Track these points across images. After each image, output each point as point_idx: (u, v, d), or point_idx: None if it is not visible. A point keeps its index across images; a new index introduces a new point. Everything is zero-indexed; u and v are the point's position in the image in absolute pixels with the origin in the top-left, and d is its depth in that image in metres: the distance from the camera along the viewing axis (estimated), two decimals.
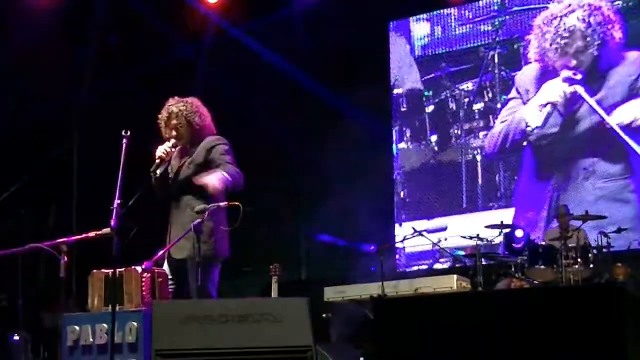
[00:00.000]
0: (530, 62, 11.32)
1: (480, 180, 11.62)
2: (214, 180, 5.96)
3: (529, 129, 11.17)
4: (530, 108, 11.23)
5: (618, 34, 10.71)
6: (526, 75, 11.40)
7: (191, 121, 6.32)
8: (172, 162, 6.38)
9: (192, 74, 12.32)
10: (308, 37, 12.13)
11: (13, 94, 10.62)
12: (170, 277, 6.32)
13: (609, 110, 10.63)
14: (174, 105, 6.38)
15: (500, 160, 11.54)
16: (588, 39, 10.83)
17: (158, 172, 6.30)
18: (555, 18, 11.12)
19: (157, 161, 6.27)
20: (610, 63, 10.72)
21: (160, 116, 6.42)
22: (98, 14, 11.66)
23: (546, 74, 11.17)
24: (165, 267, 6.39)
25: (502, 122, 11.47)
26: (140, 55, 11.91)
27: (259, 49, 12.34)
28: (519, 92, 11.43)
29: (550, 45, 11.07)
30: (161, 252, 6.16)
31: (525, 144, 11.26)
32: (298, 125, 12.00)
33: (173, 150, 6.31)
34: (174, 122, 6.33)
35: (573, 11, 11.01)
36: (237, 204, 5.95)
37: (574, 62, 10.87)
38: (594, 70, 10.81)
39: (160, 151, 6.26)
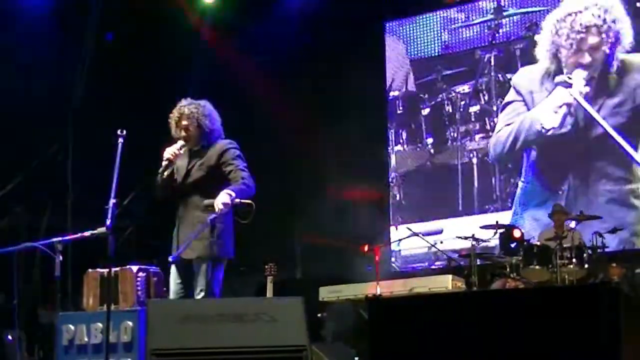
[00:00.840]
0: (538, 61, 11.25)
1: (476, 183, 11.61)
2: (219, 203, 5.98)
3: (543, 129, 11.13)
4: (543, 109, 11.15)
5: (629, 34, 10.72)
6: (528, 77, 11.36)
7: (201, 124, 6.36)
8: (177, 163, 6.41)
9: (187, 73, 12.30)
10: (304, 37, 12.13)
11: (8, 92, 10.59)
12: (179, 281, 6.32)
13: (624, 114, 10.65)
14: (186, 106, 6.42)
15: (497, 163, 11.54)
16: (603, 35, 10.82)
17: (165, 173, 6.33)
18: (570, 14, 11.09)
19: (165, 162, 6.31)
20: (622, 65, 10.72)
21: (171, 115, 6.46)
22: (94, 13, 11.64)
23: (551, 75, 11.15)
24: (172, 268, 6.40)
25: (507, 124, 11.40)
26: (136, 54, 11.88)
27: (255, 49, 12.34)
28: (520, 94, 11.39)
29: (565, 40, 11.05)
30: (181, 249, 6.13)
31: (534, 145, 11.25)
32: (294, 126, 11.98)
33: (180, 152, 6.34)
34: (184, 122, 6.37)
35: (587, 8, 10.99)
36: (249, 202, 6.01)
37: (587, 59, 10.87)
38: (606, 70, 10.81)
39: (169, 153, 6.31)
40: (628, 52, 10.73)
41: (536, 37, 11.34)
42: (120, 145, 6.00)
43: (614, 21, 10.81)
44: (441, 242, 10.33)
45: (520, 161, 11.35)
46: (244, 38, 12.48)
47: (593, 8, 10.94)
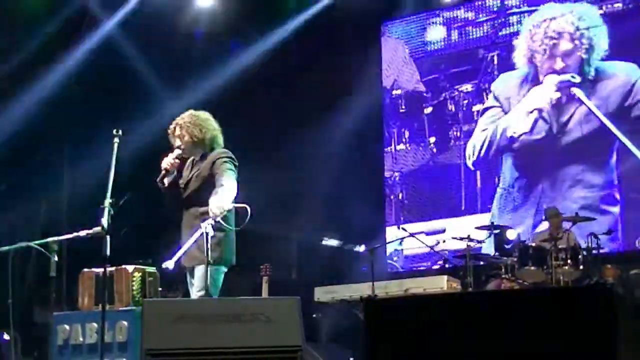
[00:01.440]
0: (517, 67, 11.37)
1: (479, 183, 11.59)
2: (213, 208, 6.09)
3: (514, 134, 11.22)
4: (515, 114, 11.29)
5: (604, 41, 10.80)
6: (506, 83, 11.49)
7: (190, 133, 6.53)
8: (184, 173, 6.59)
9: (185, 73, 12.29)
10: (302, 35, 12.11)
11: (4, 92, 10.59)
12: (190, 286, 6.41)
13: (598, 120, 10.71)
14: (181, 117, 6.64)
15: (474, 168, 11.60)
16: (576, 41, 10.90)
17: (165, 181, 6.50)
18: (545, 20, 11.20)
19: (162, 172, 6.42)
20: (596, 72, 10.80)
21: (170, 126, 6.65)
22: (92, 13, 11.63)
23: (528, 81, 11.26)
24: None
25: (483, 130, 11.52)
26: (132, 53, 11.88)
27: (251, 46, 12.34)
28: (498, 100, 11.50)
29: (539, 46, 11.14)
30: (177, 255, 6.17)
31: (509, 151, 11.32)
32: (289, 126, 11.99)
33: (177, 160, 6.51)
34: (177, 133, 6.58)
35: (562, 15, 11.11)
36: (244, 205, 6.07)
37: (560, 65, 10.95)
38: (580, 77, 10.88)
39: (166, 162, 6.45)
40: (603, 59, 10.80)
41: (514, 42, 11.45)
42: (116, 145, 6.02)
43: (587, 28, 10.93)
44: (444, 242, 10.33)
45: (499, 166, 11.40)
46: (242, 38, 12.49)
47: (567, 15, 11.10)
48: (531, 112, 11.17)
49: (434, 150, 12.02)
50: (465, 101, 11.83)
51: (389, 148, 12.30)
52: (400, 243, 11.19)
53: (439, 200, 11.83)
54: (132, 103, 11.31)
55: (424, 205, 11.95)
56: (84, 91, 11.67)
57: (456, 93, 11.91)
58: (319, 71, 12.06)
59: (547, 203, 10.67)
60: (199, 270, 6.21)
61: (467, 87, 11.82)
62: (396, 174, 12.22)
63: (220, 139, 6.64)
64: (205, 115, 6.66)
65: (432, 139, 12.04)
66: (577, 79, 10.86)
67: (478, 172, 11.58)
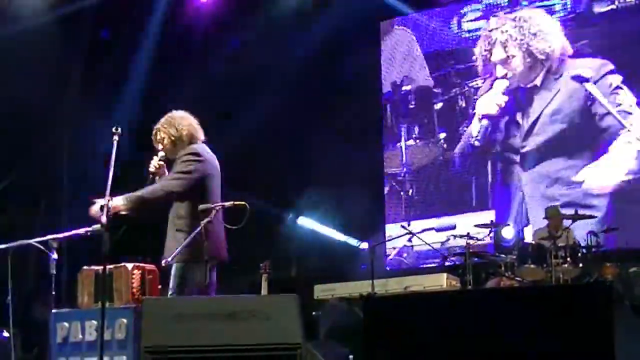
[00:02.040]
0: (479, 73, 11.58)
1: (489, 178, 11.59)
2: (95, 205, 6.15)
3: (471, 140, 11.48)
4: (475, 119, 11.55)
5: (560, 43, 10.92)
6: (483, 88, 11.62)
7: (168, 134, 6.61)
8: None
9: (185, 72, 12.28)
10: (304, 31, 12.10)
11: (3, 90, 10.58)
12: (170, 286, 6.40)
13: (563, 120, 10.85)
14: (159, 121, 6.69)
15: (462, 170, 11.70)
16: (525, 45, 11.13)
17: None
18: (491, 30, 11.49)
19: (150, 177, 6.44)
20: (557, 73, 10.94)
21: (153, 132, 6.71)
22: (89, 8, 11.63)
23: (490, 84, 11.48)
24: None
25: (463, 133, 11.73)
26: (131, 50, 11.89)
27: (253, 44, 12.33)
28: None
29: (483, 56, 11.43)
30: (177, 250, 6.17)
31: (491, 153, 11.51)
32: (290, 123, 11.99)
33: (161, 162, 6.57)
34: (158, 136, 6.65)
35: (504, 23, 11.35)
36: (243, 203, 6.06)
37: (511, 72, 11.23)
38: (541, 79, 11.03)
39: (151, 166, 6.46)
40: (563, 59, 10.93)
41: (474, 48, 11.61)
42: (115, 142, 6.04)
43: (524, 34, 11.12)
44: (454, 238, 10.34)
45: (490, 167, 11.48)
46: (243, 33, 12.49)
47: (509, 22, 11.33)
48: (481, 119, 11.45)
49: (444, 146, 11.98)
50: (476, 97, 11.80)
51: (398, 144, 12.28)
52: (410, 240, 11.18)
53: (449, 196, 11.81)
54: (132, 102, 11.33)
55: (433, 202, 11.93)
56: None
57: (466, 89, 11.89)
58: (322, 67, 12.05)
59: (528, 203, 10.85)
60: (173, 269, 6.25)
61: (478, 82, 11.78)
62: (405, 170, 12.19)
63: (199, 133, 6.65)
64: (180, 113, 6.70)
65: (442, 135, 12.01)
66: (590, 73, 10.85)
67: (489, 168, 11.59)
